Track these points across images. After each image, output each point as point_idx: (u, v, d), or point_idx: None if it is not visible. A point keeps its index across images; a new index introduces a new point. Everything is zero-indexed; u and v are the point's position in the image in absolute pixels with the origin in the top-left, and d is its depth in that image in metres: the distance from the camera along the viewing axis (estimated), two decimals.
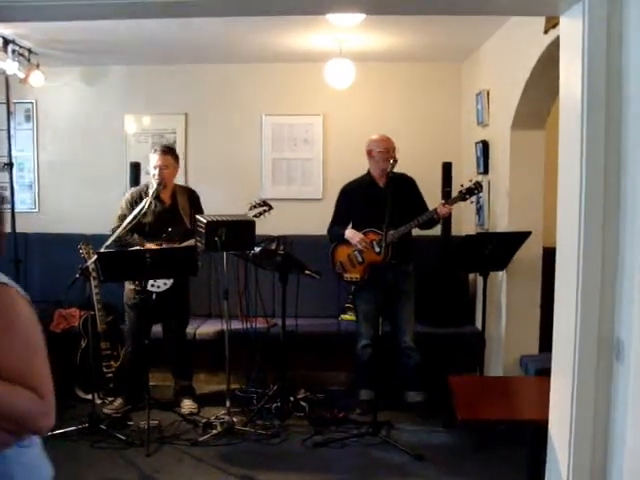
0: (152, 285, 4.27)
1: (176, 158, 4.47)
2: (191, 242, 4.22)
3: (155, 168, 4.33)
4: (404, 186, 4.46)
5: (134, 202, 4.38)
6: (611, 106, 2.14)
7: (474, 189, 4.34)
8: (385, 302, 4.34)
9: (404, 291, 4.50)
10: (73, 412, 4.30)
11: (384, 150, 4.40)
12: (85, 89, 5.73)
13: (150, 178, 4.43)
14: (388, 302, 4.42)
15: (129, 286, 4.44)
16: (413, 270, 4.56)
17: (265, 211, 4.36)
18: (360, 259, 4.47)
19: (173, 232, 4.31)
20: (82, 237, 4.62)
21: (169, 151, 4.43)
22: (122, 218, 4.29)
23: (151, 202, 4.30)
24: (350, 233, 4.50)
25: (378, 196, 4.32)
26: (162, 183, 4.32)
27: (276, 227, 4.82)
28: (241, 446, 4.00)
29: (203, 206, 4.56)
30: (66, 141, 5.77)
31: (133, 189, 4.55)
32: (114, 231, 4.25)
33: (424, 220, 4.30)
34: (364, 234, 4.43)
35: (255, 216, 4.30)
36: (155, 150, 4.41)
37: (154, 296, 4.26)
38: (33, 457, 1.61)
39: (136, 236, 4.32)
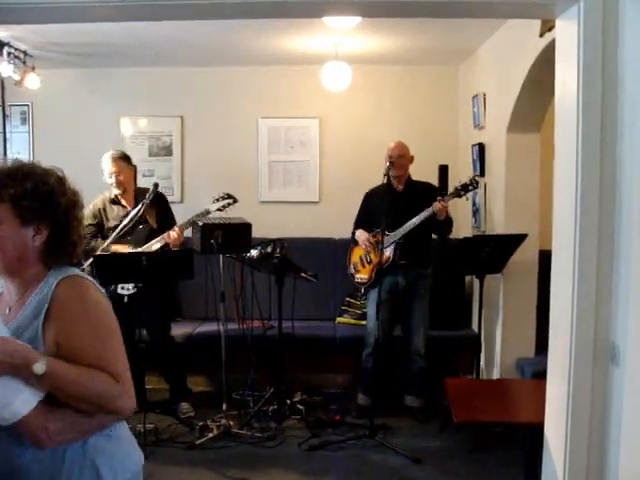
0: (122, 288, 4.25)
1: (128, 162, 4.52)
2: (159, 239, 4.27)
3: (110, 176, 4.42)
4: (422, 193, 4.44)
5: (97, 211, 4.46)
6: (607, 109, 2.15)
7: (469, 185, 4.33)
8: (397, 305, 4.42)
9: (416, 295, 4.48)
10: None
11: (388, 157, 4.39)
12: (81, 91, 5.71)
13: (109, 185, 4.49)
14: (400, 305, 4.46)
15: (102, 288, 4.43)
16: (430, 273, 4.55)
17: (229, 204, 4.41)
18: (369, 259, 4.50)
19: (138, 232, 4.33)
20: None
21: (119, 157, 4.49)
22: (85, 228, 4.31)
23: (113, 208, 4.44)
24: (358, 233, 4.57)
25: (392, 200, 4.32)
26: (122, 188, 4.42)
27: (273, 230, 4.82)
28: (238, 449, 3.99)
29: (201, 209, 4.54)
30: (62, 144, 5.74)
31: (97, 199, 4.55)
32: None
33: (422, 219, 4.28)
34: (373, 235, 4.47)
35: (219, 209, 4.37)
36: (107, 158, 4.48)
37: (125, 299, 4.23)
38: (118, 445, 1.66)
39: (100, 241, 4.32)
